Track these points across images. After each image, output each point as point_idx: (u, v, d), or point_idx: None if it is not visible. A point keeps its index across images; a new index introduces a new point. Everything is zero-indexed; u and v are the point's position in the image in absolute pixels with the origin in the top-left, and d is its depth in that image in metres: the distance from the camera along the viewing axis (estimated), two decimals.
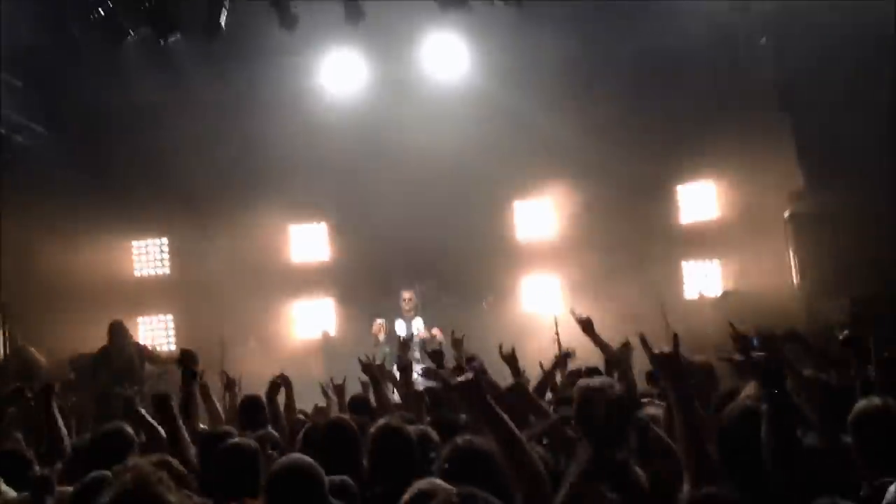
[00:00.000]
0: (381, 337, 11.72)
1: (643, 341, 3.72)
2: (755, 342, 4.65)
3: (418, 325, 12.12)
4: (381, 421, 4.58)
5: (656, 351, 3.64)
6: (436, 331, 11.58)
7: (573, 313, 6.69)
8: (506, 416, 3.34)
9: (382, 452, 4.34)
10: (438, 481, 3.23)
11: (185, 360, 5.59)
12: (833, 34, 10.25)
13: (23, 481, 4.46)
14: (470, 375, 3.43)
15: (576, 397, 4.09)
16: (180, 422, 4.65)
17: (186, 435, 4.96)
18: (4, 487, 4.31)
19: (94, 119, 12.96)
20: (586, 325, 6.50)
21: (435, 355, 6.49)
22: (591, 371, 6.73)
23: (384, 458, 4.32)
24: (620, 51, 12.62)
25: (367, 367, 6.73)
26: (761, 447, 3.45)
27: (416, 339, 11.27)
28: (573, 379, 6.37)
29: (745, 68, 12.20)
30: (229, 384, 7.23)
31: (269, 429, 5.79)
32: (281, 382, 6.99)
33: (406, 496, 3.16)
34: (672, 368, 3.62)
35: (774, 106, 11.80)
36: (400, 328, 12.02)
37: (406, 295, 12.33)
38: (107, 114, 12.87)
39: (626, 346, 6.18)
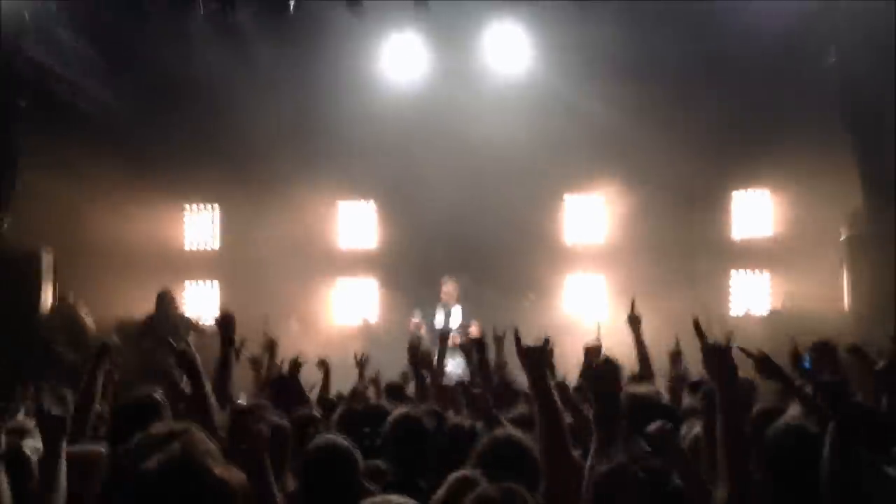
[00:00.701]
0: (423, 332, 11.65)
1: (697, 327, 3.56)
2: (807, 363, 4.57)
3: (457, 315, 12.09)
4: (400, 409, 4.61)
5: (710, 341, 3.48)
6: (474, 327, 11.50)
7: (633, 304, 6.67)
8: (556, 397, 3.41)
9: (399, 441, 4.36)
10: (476, 474, 3.22)
11: (224, 323, 5.49)
12: None
13: None
14: (542, 342, 3.58)
15: (625, 404, 4.07)
16: (207, 387, 4.58)
17: (213, 401, 4.90)
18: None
19: (157, 89, 13.10)
20: (633, 320, 6.49)
21: (478, 347, 6.42)
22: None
23: (401, 446, 4.34)
24: (684, 53, 12.47)
25: (413, 353, 6.67)
26: (820, 472, 3.27)
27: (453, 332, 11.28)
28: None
29: (811, 83, 11.98)
30: (270, 346, 7.13)
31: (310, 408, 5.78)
32: (319, 366, 7.05)
33: (443, 488, 3.16)
34: (724, 362, 3.43)
35: (837, 123, 11.58)
36: (438, 317, 12.01)
37: (447, 285, 12.31)
38: (169, 84, 13.00)
39: (677, 354, 6.14)
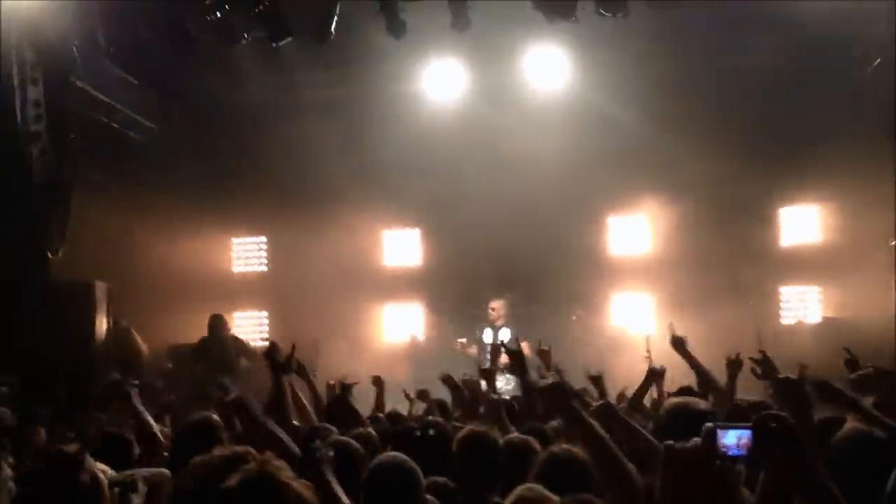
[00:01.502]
0: (473, 351, 11.64)
1: (765, 360, 3.51)
2: None
3: (506, 335, 12.09)
4: (469, 426, 4.63)
5: (781, 375, 3.43)
6: (523, 344, 11.50)
7: (671, 328, 6.62)
8: (593, 421, 3.37)
9: (468, 458, 4.37)
10: (540, 487, 3.24)
11: (270, 353, 5.61)
12: None
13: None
14: (555, 378, 3.50)
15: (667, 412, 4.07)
16: (267, 421, 4.66)
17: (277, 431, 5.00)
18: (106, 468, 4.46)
19: (204, 117, 13.35)
20: (677, 343, 6.42)
21: (518, 362, 6.42)
22: (684, 391, 6.65)
23: (472, 463, 4.35)
24: (726, 67, 12.46)
25: (446, 379, 6.75)
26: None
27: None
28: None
29: (857, 90, 11.88)
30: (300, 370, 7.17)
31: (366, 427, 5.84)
32: (374, 383, 7.12)
33: (508, 501, 3.18)
34: (797, 398, 3.30)
35: (885, 130, 11.45)
36: (487, 338, 12.02)
37: (495, 304, 12.32)
38: (216, 112, 13.24)
39: (734, 361, 6.08)
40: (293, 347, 5.80)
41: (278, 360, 5.57)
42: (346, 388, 6.93)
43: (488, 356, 11.27)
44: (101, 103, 11.71)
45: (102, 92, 11.67)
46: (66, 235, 11.00)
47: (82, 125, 11.30)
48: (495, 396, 6.72)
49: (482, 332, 12.14)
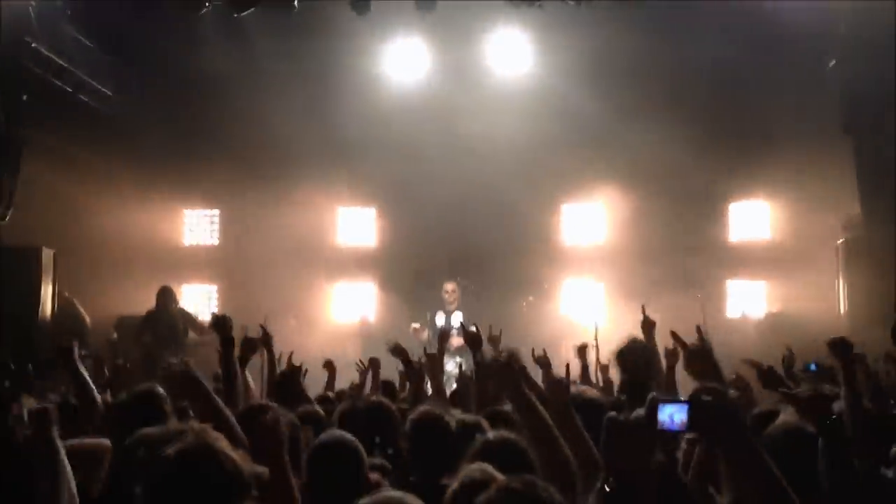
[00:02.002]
0: (424, 336, 11.64)
1: (697, 334, 3.60)
2: (814, 367, 4.61)
3: (458, 319, 12.13)
4: (422, 408, 4.63)
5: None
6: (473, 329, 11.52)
7: (644, 309, 6.73)
8: (538, 404, 3.43)
9: (422, 440, 4.37)
10: (489, 467, 3.25)
11: (219, 325, 5.51)
12: None
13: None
14: (505, 358, 3.55)
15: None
16: (217, 402, 4.61)
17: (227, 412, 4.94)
18: None
19: (161, 85, 13.15)
20: (647, 325, 6.56)
21: (473, 342, 6.47)
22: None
23: (424, 445, 4.35)
24: (684, 60, 12.55)
25: (397, 351, 6.69)
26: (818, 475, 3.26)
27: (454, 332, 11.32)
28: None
29: (811, 89, 12.05)
30: (265, 339, 7.03)
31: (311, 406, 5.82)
32: (325, 367, 7.10)
33: (456, 483, 3.18)
34: (706, 364, 3.49)
35: (837, 130, 11.65)
36: (440, 321, 12.04)
37: (449, 287, 12.33)
38: (174, 80, 13.05)
39: (672, 352, 6.19)
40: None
41: (228, 334, 5.49)
42: (296, 370, 6.89)
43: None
44: (56, 66, 11.48)
45: (58, 54, 11.43)
46: (14, 199, 10.80)
47: (36, 87, 11.08)
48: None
49: (434, 316, 12.16)
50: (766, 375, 4.41)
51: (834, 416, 3.39)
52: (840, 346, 4.49)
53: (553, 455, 3.27)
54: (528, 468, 3.42)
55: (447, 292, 12.28)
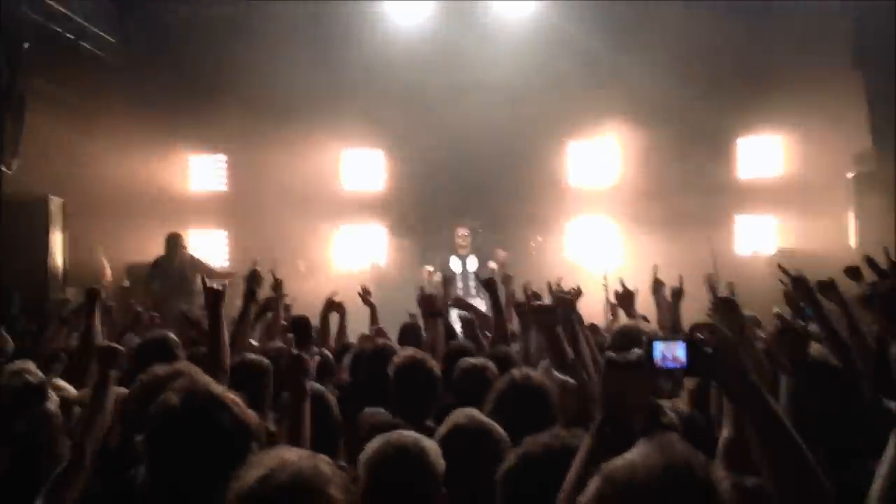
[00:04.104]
0: (437, 278, 11.65)
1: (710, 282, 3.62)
2: (810, 312, 4.59)
3: (472, 263, 12.15)
4: (406, 352, 4.66)
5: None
6: (503, 253, 11.60)
7: (655, 270, 6.92)
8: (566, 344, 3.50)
9: (405, 383, 4.40)
10: (476, 412, 3.27)
11: (252, 280, 5.55)
12: None
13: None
14: (550, 301, 3.60)
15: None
16: (223, 328, 4.62)
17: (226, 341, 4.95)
18: (65, 385, 4.44)
19: (164, 31, 13.03)
20: (657, 286, 6.59)
21: (488, 283, 6.50)
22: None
23: (408, 388, 4.38)
24: None
25: (425, 299, 6.65)
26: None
27: (471, 273, 11.45)
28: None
29: (823, 22, 11.87)
30: (276, 288, 7.11)
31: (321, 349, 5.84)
32: (335, 307, 7.11)
33: (444, 427, 3.20)
34: (731, 315, 3.48)
35: (848, 63, 11.49)
36: (454, 264, 12.04)
37: (461, 232, 12.33)
38: (176, 26, 12.93)
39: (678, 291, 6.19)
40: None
41: (254, 287, 5.51)
42: (328, 307, 6.92)
43: (459, 283, 11.38)
44: (56, 13, 11.35)
45: (58, 2, 11.31)
46: (20, 149, 10.77)
47: (37, 35, 10.97)
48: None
49: (448, 259, 12.16)
50: (797, 283, 4.43)
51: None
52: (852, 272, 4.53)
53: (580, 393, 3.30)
54: (547, 409, 3.45)
55: (459, 237, 12.28)
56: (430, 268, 11.86)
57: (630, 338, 4.01)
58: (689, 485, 1.74)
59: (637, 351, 2.20)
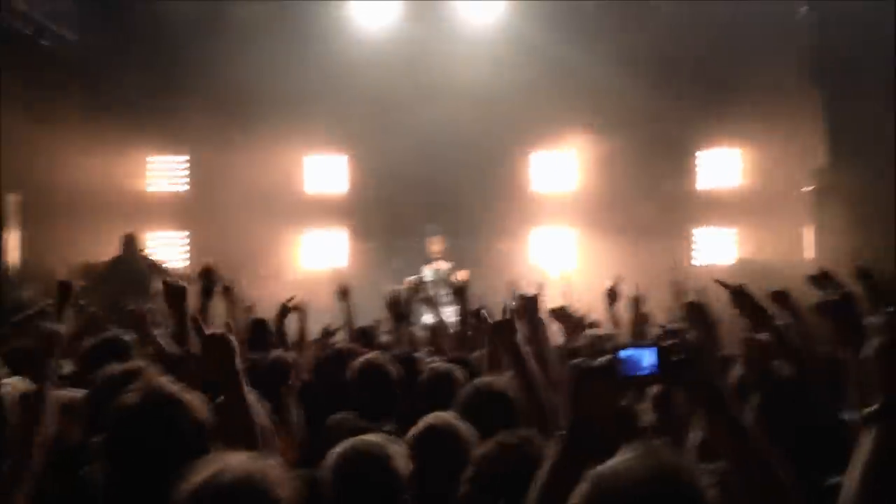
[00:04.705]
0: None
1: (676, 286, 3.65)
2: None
3: (447, 267, 12.13)
4: (366, 356, 4.66)
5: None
6: (463, 273, 11.64)
7: (619, 279, 6.94)
8: (529, 357, 3.50)
9: (365, 387, 4.41)
10: (449, 415, 3.27)
11: (206, 275, 5.46)
12: (877, 12, 10.12)
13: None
14: (508, 317, 3.65)
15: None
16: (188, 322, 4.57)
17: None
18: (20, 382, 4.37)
19: (126, 29, 12.90)
20: (611, 295, 6.66)
21: (458, 292, 6.56)
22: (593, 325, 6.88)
23: (367, 391, 4.39)
24: (654, 8, 12.50)
25: (394, 302, 6.66)
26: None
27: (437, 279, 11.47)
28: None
29: (782, 36, 12.05)
30: (226, 291, 7.03)
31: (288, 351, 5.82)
32: (294, 307, 7.07)
33: (416, 429, 3.20)
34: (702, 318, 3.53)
35: (806, 78, 11.67)
36: (427, 273, 12.03)
37: (434, 240, 12.29)
38: (138, 24, 12.81)
39: (637, 300, 6.23)
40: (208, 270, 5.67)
41: (209, 284, 5.43)
42: (284, 310, 6.90)
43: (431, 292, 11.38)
44: (17, 11, 11.20)
45: None
46: None
47: None
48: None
49: (422, 269, 12.14)
50: (737, 296, 4.45)
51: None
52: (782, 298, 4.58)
53: (539, 407, 3.31)
54: (511, 415, 3.47)
55: (433, 246, 12.23)
56: (411, 278, 11.81)
57: (600, 346, 4.04)
58: (678, 492, 1.75)
59: (605, 357, 2.20)
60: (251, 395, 3.12)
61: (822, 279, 5.21)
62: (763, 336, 4.22)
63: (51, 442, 3.35)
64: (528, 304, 4.05)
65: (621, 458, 1.79)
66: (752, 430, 2.13)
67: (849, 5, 10.60)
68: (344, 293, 7.60)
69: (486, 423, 3.22)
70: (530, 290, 4.56)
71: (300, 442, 4.43)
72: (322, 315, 7.91)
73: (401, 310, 6.49)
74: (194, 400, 2.58)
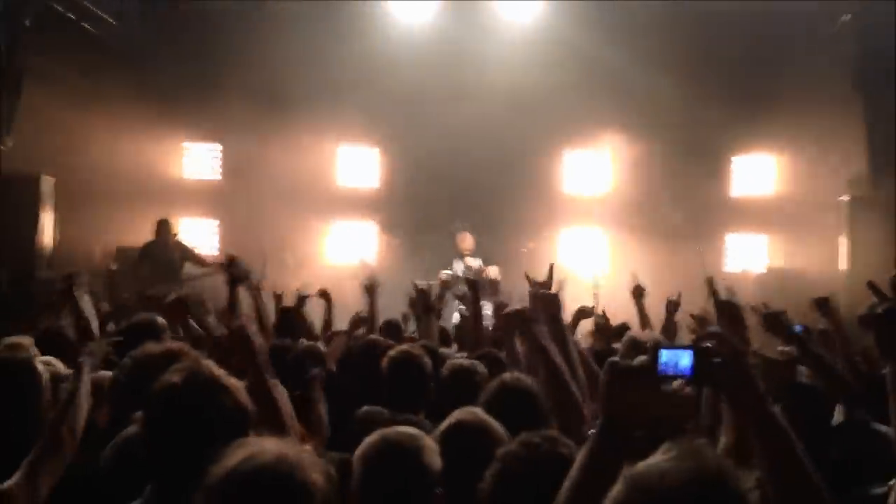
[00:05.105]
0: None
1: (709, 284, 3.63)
2: (799, 328, 4.58)
3: (478, 265, 12.11)
4: (400, 348, 4.64)
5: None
6: (494, 269, 11.62)
7: (634, 276, 6.77)
8: (552, 347, 3.47)
9: (397, 377, 4.40)
10: (480, 411, 3.25)
11: (231, 266, 5.52)
12: None
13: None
14: (518, 306, 3.62)
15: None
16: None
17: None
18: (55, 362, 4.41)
19: (165, 16, 12.99)
20: (638, 291, 6.62)
21: (471, 284, 6.51)
22: (623, 327, 6.81)
23: (400, 383, 4.38)
24: (695, 10, 12.40)
25: (421, 296, 6.63)
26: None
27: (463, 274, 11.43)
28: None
29: (823, 43, 11.93)
30: (255, 289, 7.07)
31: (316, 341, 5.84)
32: (321, 296, 7.09)
33: (446, 424, 3.18)
34: (733, 318, 3.51)
35: (847, 85, 11.54)
36: (457, 268, 12.00)
37: (463, 237, 12.25)
38: (178, 13, 12.89)
39: (675, 304, 6.20)
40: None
41: (236, 274, 5.49)
42: (301, 300, 6.93)
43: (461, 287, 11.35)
44: None
45: None
46: (15, 126, 10.71)
47: (38, 13, 10.91)
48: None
49: (453, 264, 12.12)
50: (770, 320, 4.42)
51: None
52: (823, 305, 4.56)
53: (566, 398, 3.29)
54: (538, 413, 3.44)
55: (463, 243, 12.18)
56: (443, 275, 11.80)
57: (638, 347, 4.01)
58: (719, 493, 1.71)
59: (642, 357, 2.18)
60: (277, 385, 3.16)
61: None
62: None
63: (84, 426, 3.39)
64: (548, 302, 3.95)
65: (659, 458, 1.76)
66: (791, 433, 2.10)
67: (890, 13, 10.46)
68: (371, 288, 7.57)
69: (511, 420, 3.20)
70: (551, 289, 4.51)
71: (325, 433, 4.43)
72: (347, 307, 7.92)
73: (428, 304, 6.46)
74: (238, 385, 2.58)
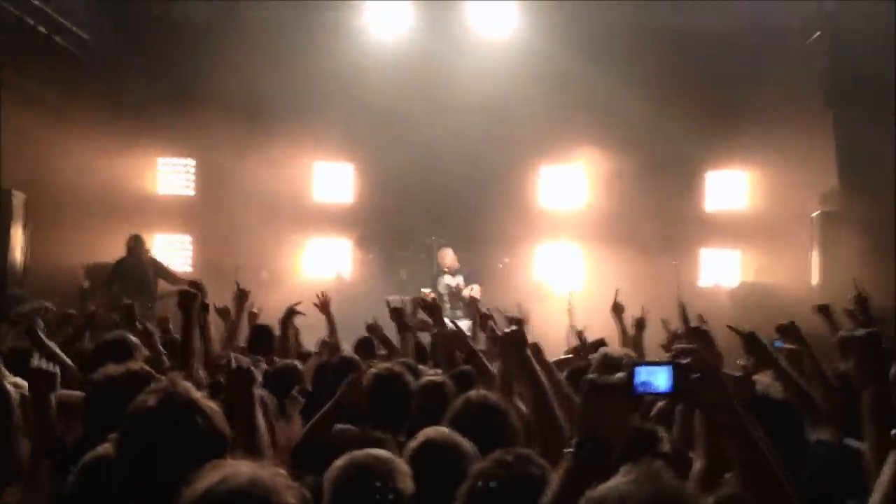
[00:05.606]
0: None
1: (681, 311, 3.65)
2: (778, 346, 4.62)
3: (459, 282, 12.11)
4: (383, 365, 4.61)
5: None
6: (476, 288, 11.62)
7: (617, 294, 7.00)
8: (539, 371, 3.47)
9: (380, 396, 4.36)
10: (447, 430, 3.23)
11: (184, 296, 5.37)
12: (890, 37, 10.10)
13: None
14: (515, 328, 3.61)
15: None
16: (196, 333, 4.57)
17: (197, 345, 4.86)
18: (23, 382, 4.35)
19: (139, 31, 12.92)
20: (617, 308, 6.67)
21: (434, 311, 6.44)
22: (599, 343, 6.80)
23: (382, 401, 4.34)
24: (668, 27, 12.49)
25: (395, 314, 6.65)
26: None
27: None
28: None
29: (795, 60, 12.04)
30: (240, 297, 7.10)
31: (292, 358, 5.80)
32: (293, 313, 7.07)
33: (415, 443, 3.16)
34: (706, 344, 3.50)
35: (819, 101, 11.66)
36: (442, 287, 11.98)
37: (445, 254, 12.23)
38: (152, 27, 12.82)
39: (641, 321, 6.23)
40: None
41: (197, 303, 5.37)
42: (290, 314, 6.90)
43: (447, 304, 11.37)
44: (34, 9, 11.22)
45: None
46: None
47: (12, 29, 10.83)
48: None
49: (436, 280, 12.11)
50: (749, 341, 4.44)
51: None
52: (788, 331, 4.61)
53: (550, 421, 3.28)
54: (503, 430, 3.43)
55: (445, 260, 12.17)
56: (426, 290, 11.78)
57: (612, 364, 4.01)
58: None
59: (619, 375, 2.18)
60: (262, 421, 3.16)
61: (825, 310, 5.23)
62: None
63: (52, 442, 3.34)
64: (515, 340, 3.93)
65: (620, 480, 1.77)
66: (767, 445, 2.12)
67: (862, 30, 10.57)
68: (323, 305, 7.61)
69: (477, 436, 3.18)
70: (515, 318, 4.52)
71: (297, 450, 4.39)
72: (321, 323, 7.88)
73: (403, 322, 6.46)
74: (215, 408, 2.55)
